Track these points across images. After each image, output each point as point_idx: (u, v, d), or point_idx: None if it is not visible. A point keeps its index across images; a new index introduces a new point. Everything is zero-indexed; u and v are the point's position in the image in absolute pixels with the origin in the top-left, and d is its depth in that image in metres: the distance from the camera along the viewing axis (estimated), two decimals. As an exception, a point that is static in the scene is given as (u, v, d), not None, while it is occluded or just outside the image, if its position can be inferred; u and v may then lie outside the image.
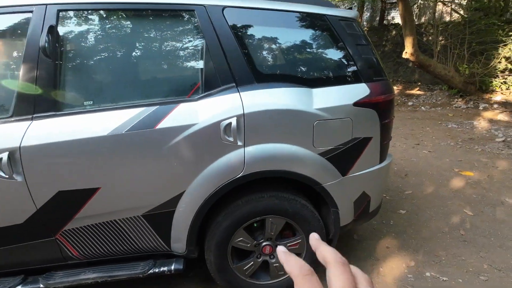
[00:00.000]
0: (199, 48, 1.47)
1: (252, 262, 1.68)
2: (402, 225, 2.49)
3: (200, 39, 1.46)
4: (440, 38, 8.40)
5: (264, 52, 1.55)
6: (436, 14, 11.60)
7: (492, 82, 7.22)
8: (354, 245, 2.25)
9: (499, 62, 6.90)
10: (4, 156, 1.27)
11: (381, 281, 1.90)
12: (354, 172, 1.62)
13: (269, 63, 1.56)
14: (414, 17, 14.01)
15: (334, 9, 1.61)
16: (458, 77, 7.27)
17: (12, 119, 1.32)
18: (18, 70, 1.33)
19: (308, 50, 1.60)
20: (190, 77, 1.51)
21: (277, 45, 1.57)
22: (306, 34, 1.59)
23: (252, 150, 1.43)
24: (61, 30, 1.36)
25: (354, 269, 0.31)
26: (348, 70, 1.58)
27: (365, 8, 16.00)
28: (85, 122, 1.35)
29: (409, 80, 9.90)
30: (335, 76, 1.57)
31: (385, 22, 13.78)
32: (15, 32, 1.39)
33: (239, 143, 1.42)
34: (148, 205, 1.47)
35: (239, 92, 1.43)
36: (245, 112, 1.40)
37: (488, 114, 6.10)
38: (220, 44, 1.44)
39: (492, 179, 3.28)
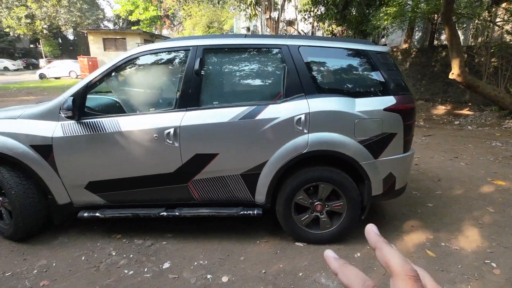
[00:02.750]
0: (282, 71, 2.35)
1: (307, 216, 2.45)
2: (428, 214, 3.04)
3: (283, 65, 2.34)
4: (493, 60, 8.43)
5: (323, 74, 2.37)
6: (495, 34, 11.39)
7: (548, 104, 7.12)
8: (384, 224, 2.88)
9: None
10: (171, 130, 2.24)
11: (403, 245, 2.52)
12: (383, 157, 2.32)
13: (326, 81, 2.37)
14: (471, 37, 13.76)
15: (373, 46, 2.39)
16: (510, 98, 7.30)
17: (175, 110, 2.30)
18: (180, 83, 2.32)
19: (353, 73, 2.39)
20: (275, 89, 2.38)
21: (332, 69, 2.39)
22: (352, 63, 2.38)
23: (314, 136, 2.23)
24: (205, 59, 2.34)
25: (424, 276, 0.28)
26: (381, 87, 2.32)
27: (416, 29, 16.12)
28: (213, 113, 2.28)
29: (459, 100, 9.91)
30: (371, 91, 2.33)
31: (436, 42, 13.78)
32: (180, 61, 2.40)
33: (305, 131, 2.24)
34: (244, 167, 2.33)
35: (306, 99, 2.26)
36: (310, 111, 2.22)
37: (539, 135, 6.11)
38: (296, 68, 2.30)
39: (522, 188, 3.63)
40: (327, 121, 2.25)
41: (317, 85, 2.30)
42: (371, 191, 2.36)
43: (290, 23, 23.08)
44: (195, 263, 2.26)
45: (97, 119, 2.30)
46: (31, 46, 41.29)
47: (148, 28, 31.40)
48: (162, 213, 2.42)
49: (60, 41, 40.85)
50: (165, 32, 35.86)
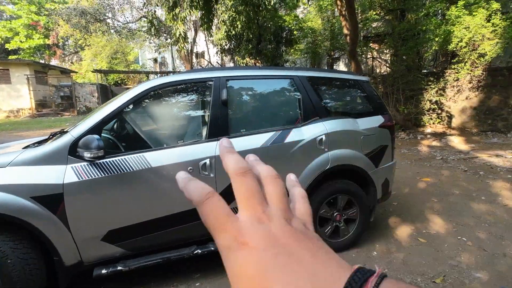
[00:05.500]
0: (298, 98, 2.61)
1: (329, 227, 2.68)
2: (398, 211, 3.68)
3: (298, 94, 2.61)
4: (380, 87, 10.73)
5: (330, 100, 2.75)
6: (369, 67, 14.53)
7: (422, 118, 9.47)
8: (373, 224, 3.34)
9: (425, 104, 9.21)
10: (207, 161, 2.19)
11: (399, 236, 3.01)
12: (381, 165, 2.80)
13: (333, 105, 2.75)
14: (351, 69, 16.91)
15: (358, 76, 2.93)
16: (399, 116, 9.39)
17: (207, 140, 2.26)
18: (207, 113, 2.31)
19: (350, 98, 2.86)
20: (294, 115, 2.62)
21: (335, 95, 2.80)
22: (349, 89, 2.86)
23: (333, 153, 2.54)
24: (229, 89, 2.40)
25: (264, 170, 0.30)
26: (371, 108, 2.85)
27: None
28: (245, 140, 2.34)
29: (360, 119, 12.05)
30: (365, 112, 2.83)
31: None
32: (204, 91, 2.39)
33: (325, 150, 2.53)
34: (275, 190, 2.43)
35: (322, 122, 2.57)
36: (328, 132, 2.53)
37: (426, 142, 8.04)
38: (309, 96, 2.60)
39: (442, 181, 4.76)
40: (341, 139, 2.60)
41: (327, 109, 2.65)
42: (376, 195, 2.79)
43: (201, 55, 23.97)
44: (246, 295, 2.17)
45: (119, 157, 2.05)
46: None
47: (32, 57, 27.15)
48: (196, 251, 2.25)
49: None
50: (54, 62, 31.54)
